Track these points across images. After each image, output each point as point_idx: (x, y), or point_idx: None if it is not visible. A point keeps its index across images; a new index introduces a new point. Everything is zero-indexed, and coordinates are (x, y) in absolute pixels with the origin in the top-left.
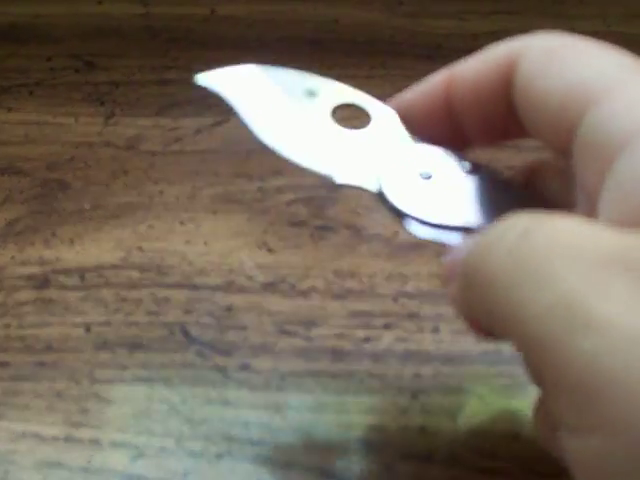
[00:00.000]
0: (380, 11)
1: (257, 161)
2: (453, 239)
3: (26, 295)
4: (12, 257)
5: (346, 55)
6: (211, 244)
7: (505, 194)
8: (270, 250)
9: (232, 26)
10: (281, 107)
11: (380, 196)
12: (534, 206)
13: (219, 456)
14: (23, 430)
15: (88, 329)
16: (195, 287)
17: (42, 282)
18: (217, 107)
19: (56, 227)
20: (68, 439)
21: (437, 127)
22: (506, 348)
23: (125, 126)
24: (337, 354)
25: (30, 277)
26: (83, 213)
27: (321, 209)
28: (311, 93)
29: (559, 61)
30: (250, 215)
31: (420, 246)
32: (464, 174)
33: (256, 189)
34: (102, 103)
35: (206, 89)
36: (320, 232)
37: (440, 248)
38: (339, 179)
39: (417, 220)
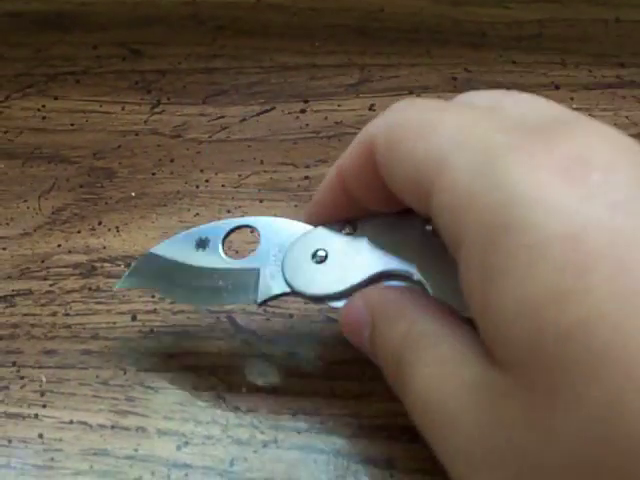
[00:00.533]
0: None
1: (303, 149)
2: None
3: (72, 283)
4: (59, 245)
5: (391, 43)
6: None
7: (392, 230)
8: None
9: (278, 14)
10: (188, 273)
11: (295, 293)
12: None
13: (265, 444)
14: (70, 418)
15: (134, 317)
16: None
17: (88, 270)
18: (263, 95)
19: (102, 215)
20: (115, 427)
21: (345, 211)
22: None
23: (171, 114)
24: None
25: (76, 265)
26: (129, 201)
27: None
28: (202, 244)
29: (398, 148)
30: (296, 203)
31: None
32: (351, 237)
33: (302, 177)
34: (148, 91)
35: (253, 77)
36: None
37: None
38: (259, 300)
39: (332, 298)
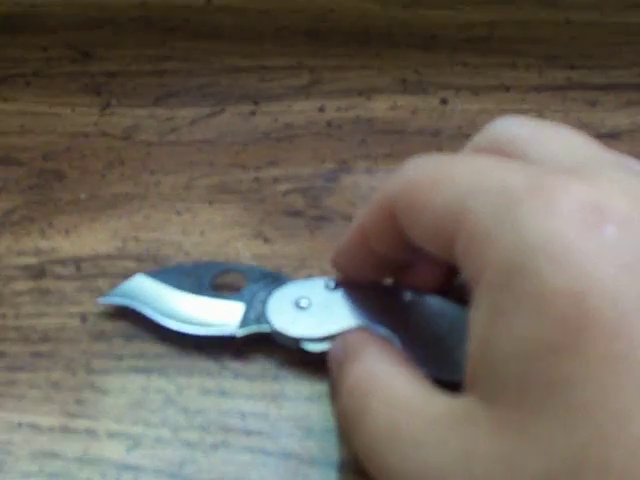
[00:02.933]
0: (375, 1)
1: (253, 151)
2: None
3: (22, 285)
4: (8, 247)
5: (341, 45)
6: (207, 234)
7: (373, 293)
8: (266, 240)
9: (228, 16)
10: (175, 297)
11: (274, 333)
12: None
13: (215, 446)
14: (19, 420)
15: (84, 319)
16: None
17: (38, 272)
18: (213, 97)
19: (52, 217)
20: (64, 429)
21: (369, 267)
22: None
23: (121, 116)
24: None
25: (26, 267)
26: (79, 203)
27: (317, 199)
28: (192, 275)
29: (417, 206)
30: (246, 205)
31: None
32: (330, 291)
33: (252, 179)
34: (98, 93)
35: (203, 79)
36: (316, 222)
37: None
38: (239, 333)
39: (309, 340)
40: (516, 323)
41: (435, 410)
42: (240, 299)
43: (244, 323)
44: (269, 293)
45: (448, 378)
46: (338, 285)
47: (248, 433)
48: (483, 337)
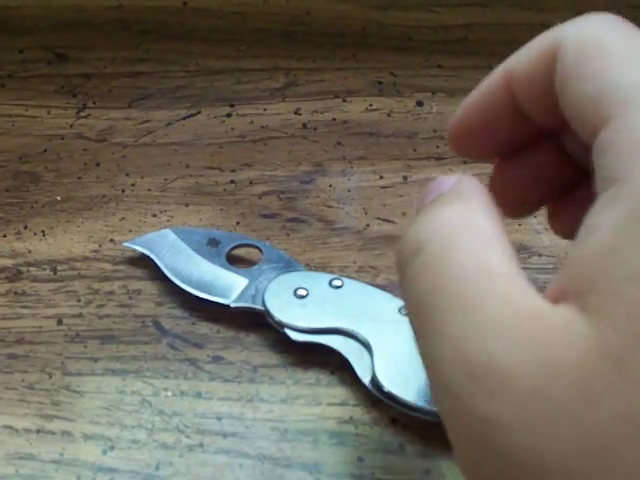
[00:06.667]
0: (351, 3)
1: (228, 153)
2: (328, 340)
3: None
4: None
5: (317, 47)
6: None
7: (371, 300)
8: None
9: (204, 18)
10: (189, 258)
11: (266, 312)
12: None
13: (191, 448)
14: None
15: (60, 321)
16: (167, 279)
17: (14, 274)
18: (189, 99)
19: (28, 219)
20: (40, 431)
21: (500, 127)
22: None
23: (97, 118)
24: (308, 346)
25: (2, 269)
26: (55, 205)
27: (293, 201)
28: (213, 242)
29: (588, 65)
30: (222, 207)
31: (391, 238)
32: (334, 289)
33: (228, 181)
34: (74, 95)
35: (178, 81)
36: (292, 224)
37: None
38: (233, 304)
39: (294, 328)
40: None
41: (528, 299)
42: (247, 275)
43: (241, 296)
44: (275, 276)
45: (410, 401)
46: (343, 284)
47: (224, 435)
48: (609, 244)
